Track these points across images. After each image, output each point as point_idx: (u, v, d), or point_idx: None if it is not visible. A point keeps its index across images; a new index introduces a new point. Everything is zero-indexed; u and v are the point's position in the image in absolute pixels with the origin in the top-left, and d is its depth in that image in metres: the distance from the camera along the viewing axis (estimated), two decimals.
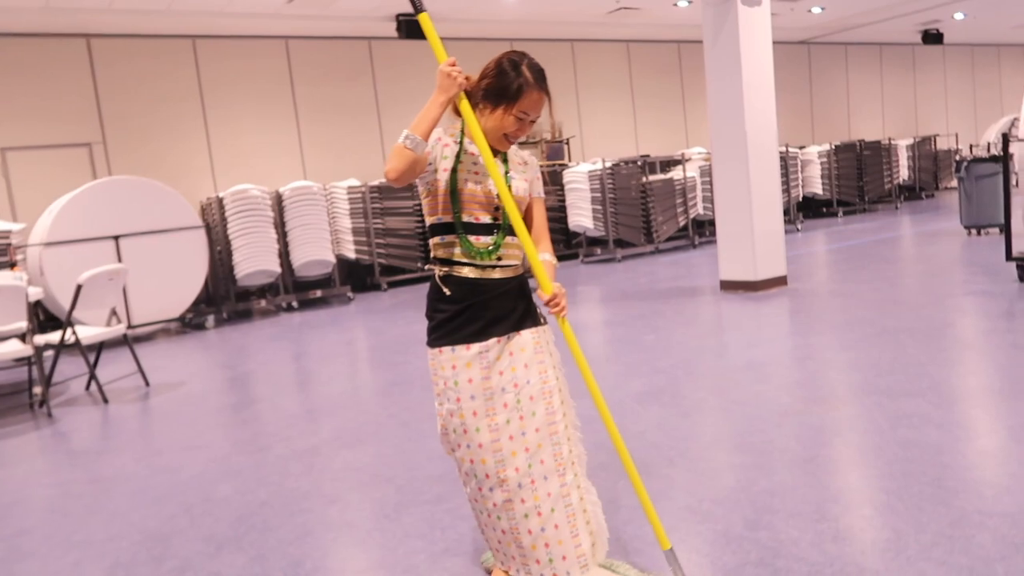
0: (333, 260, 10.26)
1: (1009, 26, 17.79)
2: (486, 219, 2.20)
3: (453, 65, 2.09)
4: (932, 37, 17.40)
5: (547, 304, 2.19)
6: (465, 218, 2.18)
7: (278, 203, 9.98)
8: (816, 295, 7.19)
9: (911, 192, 17.13)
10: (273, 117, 11.60)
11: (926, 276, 7.66)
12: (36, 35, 9.89)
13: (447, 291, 2.20)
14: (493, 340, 2.19)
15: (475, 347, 2.19)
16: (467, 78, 2.13)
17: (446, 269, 2.21)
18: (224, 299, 9.81)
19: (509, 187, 2.19)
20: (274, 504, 3.34)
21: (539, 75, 2.18)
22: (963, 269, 7.83)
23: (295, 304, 10.01)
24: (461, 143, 2.22)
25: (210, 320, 9.20)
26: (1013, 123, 6.59)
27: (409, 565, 2.64)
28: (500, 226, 2.21)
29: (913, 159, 16.60)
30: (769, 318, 6.46)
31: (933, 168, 17.14)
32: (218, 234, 9.68)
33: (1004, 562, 2.27)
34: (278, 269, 9.71)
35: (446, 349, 2.21)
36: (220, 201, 9.62)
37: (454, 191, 2.17)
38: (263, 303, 9.77)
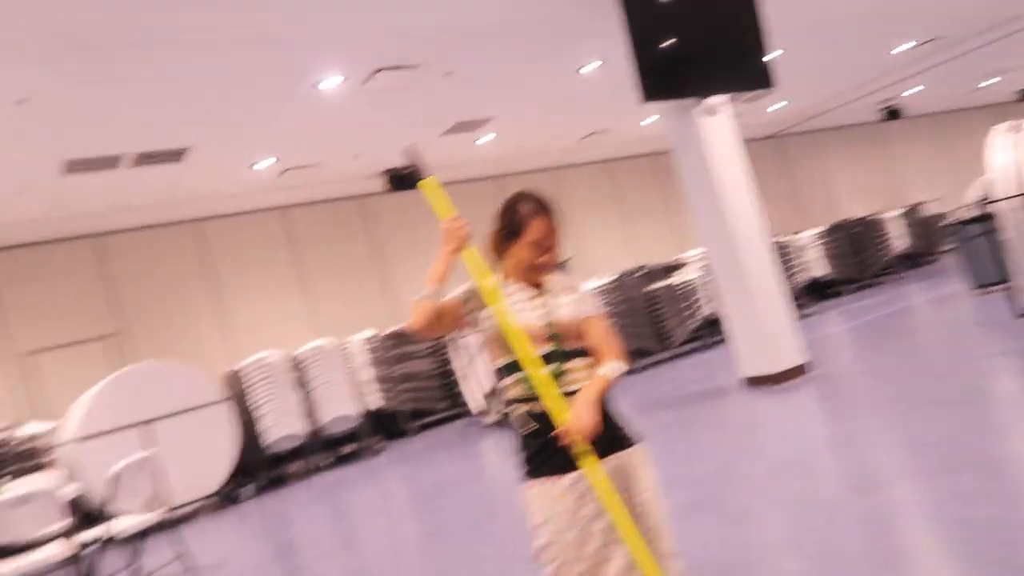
0: (358, 413, 10.33)
1: (964, 92, 18.58)
2: (542, 350, 2.26)
3: (454, 220, 2.30)
4: (892, 113, 18.13)
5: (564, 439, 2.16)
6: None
7: (296, 365, 10.16)
8: (840, 378, 7.22)
9: (913, 260, 17.34)
10: (281, 282, 12.02)
11: (944, 343, 7.71)
12: (49, 242, 10.44)
13: (528, 428, 2.28)
14: (579, 474, 2.20)
15: (567, 478, 2.22)
16: (466, 231, 2.30)
17: (524, 406, 2.28)
18: (258, 467, 9.84)
19: (555, 314, 2.30)
20: None
21: (538, 204, 2.33)
22: (978, 331, 7.88)
23: (327, 463, 10.01)
24: (499, 286, 2.36)
25: (247, 491, 9.18)
26: (988, 183, 6.86)
27: None
28: (555, 354, 2.27)
29: (907, 228, 16.93)
30: (796, 409, 6.48)
31: (927, 234, 17.45)
32: (243, 404, 9.82)
33: None
34: (303, 431, 9.78)
35: (537, 483, 2.26)
36: (239, 373, 9.82)
37: (506, 331, 2.27)
38: (295, 467, 9.77)
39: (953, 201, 20.10)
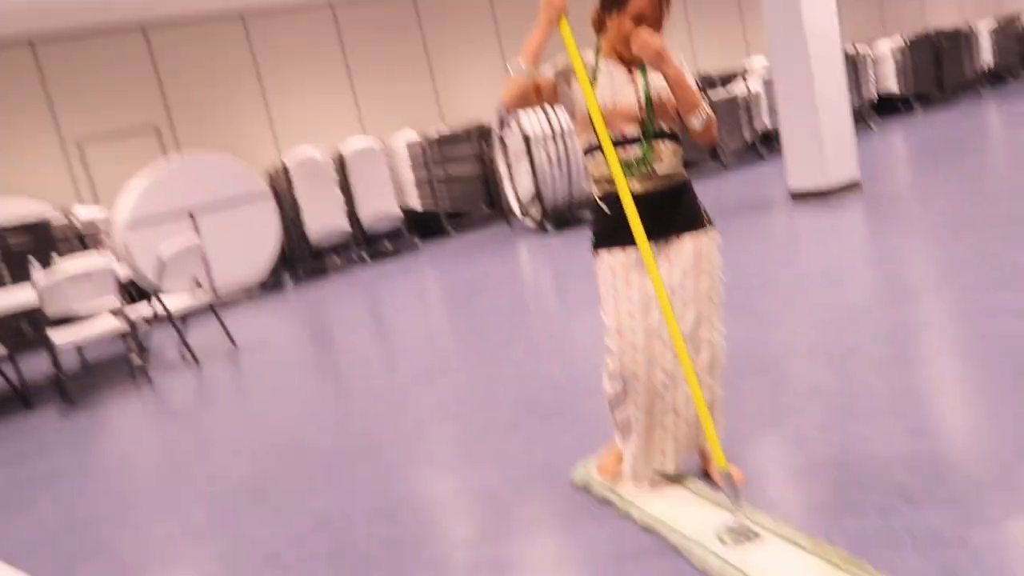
0: (399, 213, 10.40)
1: None
2: (632, 132, 2.24)
3: None
4: None
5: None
6: (616, 133, 2.24)
7: (341, 164, 10.14)
8: (892, 197, 6.90)
9: (996, 78, 16.01)
10: (327, 80, 11.74)
11: (1013, 164, 7.23)
12: (96, 32, 10.24)
13: (606, 209, 2.31)
14: (651, 245, 2.23)
15: (633, 251, 2.27)
16: (564, 1, 2.20)
17: (605, 187, 2.31)
18: (300, 259, 10.13)
19: (649, 91, 2.22)
20: (360, 446, 3.50)
21: None
22: None
23: (367, 257, 10.25)
24: (597, 63, 2.29)
25: (288, 280, 9.52)
26: None
27: (486, 488, 2.74)
28: (646, 135, 2.23)
29: (996, 42, 15.48)
30: (841, 224, 6.25)
31: (1020, 50, 15.96)
32: (287, 199, 9.94)
33: None
34: (348, 227, 9.93)
35: (604, 253, 2.33)
36: (286, 169, 9.85)
37: (591, 109, 2.21)
38: (337, 260, 10.03)
39: None
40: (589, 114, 2.23)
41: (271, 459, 3.56)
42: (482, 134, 11.02)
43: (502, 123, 9.76)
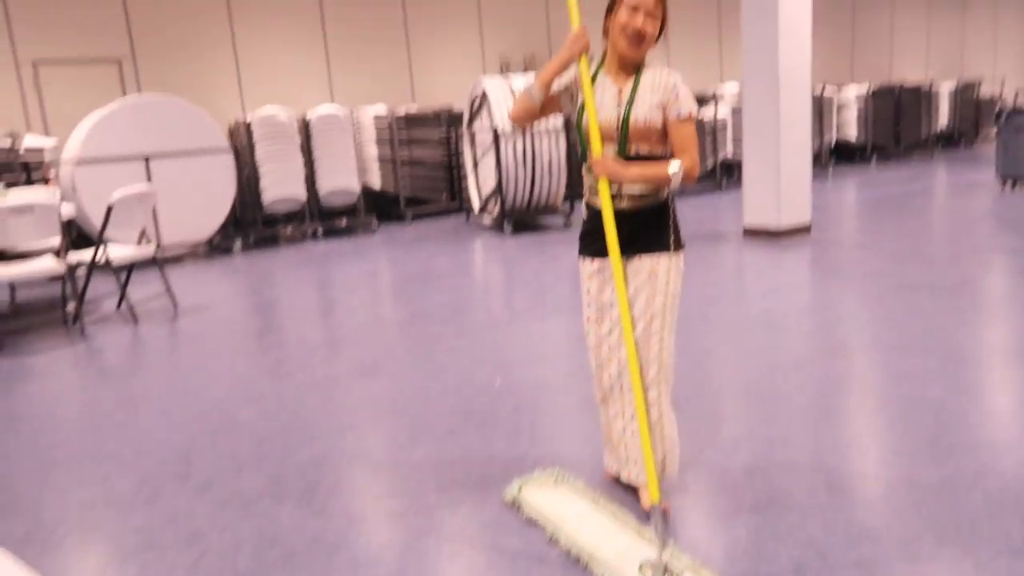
0: (359, 189, 10.30)
1: None
2: (608, 149, 2.35)
3: (580, 30, 2.31)
4: None
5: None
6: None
7: (305, 129, 9.98)
8: (839, 245, 7.15)
9: (949, 140, 16.64)
10: (302, 38, 11.52)
11: (953, 230, 7.56)
12: None
13: (585, 215, 2.52)
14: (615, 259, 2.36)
15: (597, 262, 2.48)
16: (586, 42, 2.32)
17: (589, 197, 2.47)
18: (251, 224, 9.95)
19: (629, 114, 2.31)
20: (293, 429, 3.49)
21: None
22: (991, 223, 7.71)
23: (320, 232, 10.13)
24: (596, 74, 2.41)
25: (237, 245, 9.35)
26: None
27: (419, 493, 2.77)
28: (619, 154, 2.34)
29: (954, 105, 16.09)
30: (789, 267, 6.46)
31: (975, 116, 16.62)
32: (246, 158, 9.74)
33: (991, 521, 2.35)
34: (304, 196, 9.79)
35: (580, 260, 2.55)
36: (248, 125, 9.65)
37: (581, 124, 2.38)
38: (289, 230, 9.90)
39: (1014, 85, 18.99)
40: (587, 127, 2.36)
41: (201, 432, 3.52)
42: (452, 120, 10.98)
43: (473, 112, 9.75)
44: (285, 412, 3.73)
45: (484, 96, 9.34)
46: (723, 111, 12.23)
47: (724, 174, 12.43)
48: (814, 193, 7.82)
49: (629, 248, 2.37)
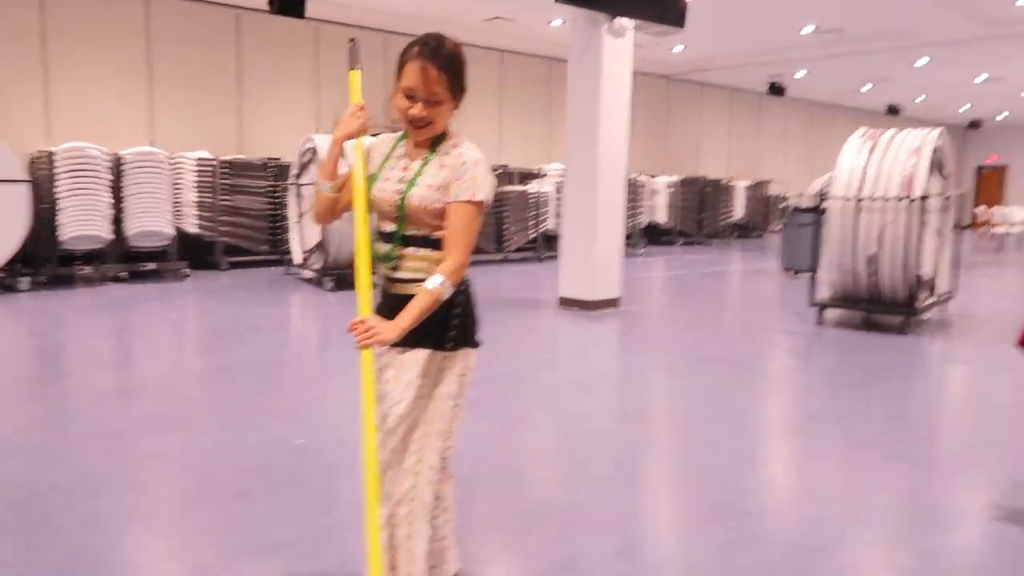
0: (172, 232, 9.73)
1: (846, 89, 19.59)
2: (387, 227, 2.11)
3: (361, 109, 2.09)
4: (776, 89, 18.86)
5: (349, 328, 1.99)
6: (378, 225, 2.14)
7: (117, 166, 9.36)
8: (646, 319, 7.64)
9: (744, 230, 18.53)
10: (125, 75, 10.85)
11: (745, 311, 8.32)
12: None
13: (375, 291, 2.16)
14: (387, 348, 2.09)
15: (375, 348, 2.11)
16: (364, 122, 2.10)
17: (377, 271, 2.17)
18: (44, 262, 9.09)
19: (408, 192, 2.06)
20: (64, 488, 3.17)
21: (424, 47, 2.00)
22: (777, 307, 8.56)
23: (125, 275, 9.43)
24: (394, 149, 2.16)
25: (24, 282, 8.49)
26: (830, 180, 7.33)
27: (199, 561, 2.60)
28: (394, 236, 2.09)
29: (749, 200, 18.01)
30: (599, 337, 6.80)
31: (765, 211, 18.67)
32: (46, 191, 8.95)
33: None
34: (108, 236, 9.10)
35: None
36: (51, 156, 8.91)
37: (370, 198, 2.11)
38: (88, 270, 9.13)
39: (797, 187, 21.47)
40: (374, 201, 2.11)
41: None
42: (279, 171, 10.73)
43: (302, 166, 9.60)
44: (57, 468, 3.38)
45: (314, 152, 9.25)
46: (548, 186, 12.86)
47: (545, 245, 12.98)
48: (625, 270, 8.33)
49: (407, 337, 2.03)
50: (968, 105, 22.47)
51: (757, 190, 18.20)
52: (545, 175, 13.12)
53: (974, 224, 22.42)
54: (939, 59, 15.10)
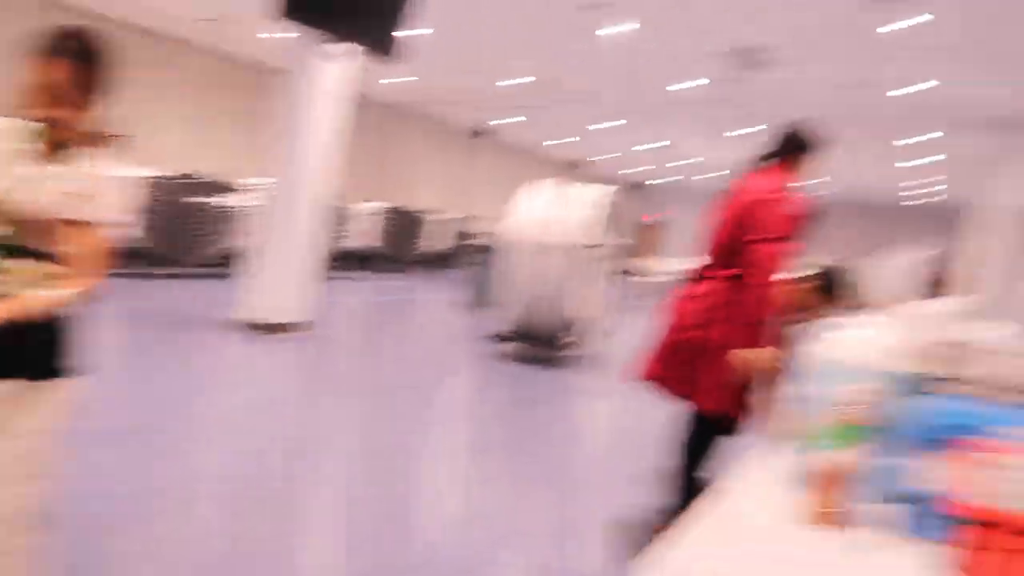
0: None
1: (541, 140, 21.46)
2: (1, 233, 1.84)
3: None
4: (477, 132, 20.06)
5: None
6: None
7: None
8: (336, 344, 7.63)
9: (446, 260, 19.27)
10: None
11: (433, 340, 8.67)
12: None
13: None
14: None
15: None
16: None
17: None
18: None
19: (18, 195, 1.83)
20: None
21: (54, 43, 1.82)
22: (463, 337, 9.04)
23: None
24: (13, 147, 1.88)
25: None
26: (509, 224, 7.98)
27: None
28: (2, 246, 1.84)
29: (453, 233, 18.89)
30: (273, 361, 6.63)
31: (467, 245, 19.70)
32: None
33: None
34: None
35: None
36: None
37: None
38: None
39: (488, 226, 23.00)
40: None
41: None
42: None
43: None
44: None
45: None
46: (241, 200, 12.19)
47: (233, 263, 12.24)
48: (322, 294, 8.20)
49: (9, 366, 1.85)
50: (640, 168, 25.83)
51: (463, 224, 19.16)
52: (239, 189, 12.51)
53: (632, 272, 25.69)
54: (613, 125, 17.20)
